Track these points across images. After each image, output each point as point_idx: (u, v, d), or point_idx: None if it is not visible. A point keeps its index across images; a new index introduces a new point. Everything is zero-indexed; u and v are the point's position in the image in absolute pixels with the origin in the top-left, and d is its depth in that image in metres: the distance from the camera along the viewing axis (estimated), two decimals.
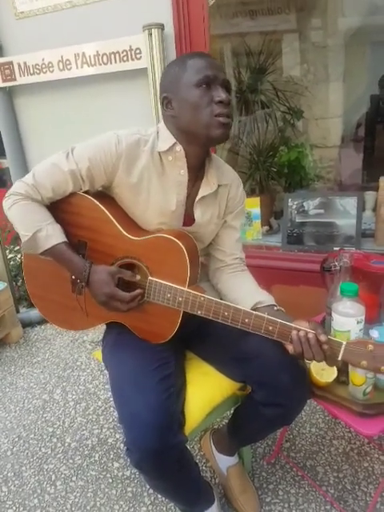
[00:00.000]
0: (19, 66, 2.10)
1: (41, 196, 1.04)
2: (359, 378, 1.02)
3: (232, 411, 1.27)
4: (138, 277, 1.04)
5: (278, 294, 1.20)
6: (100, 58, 1.93)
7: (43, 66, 2.05)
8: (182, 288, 0.98)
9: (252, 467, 1.42)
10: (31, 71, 2.09)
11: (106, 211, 1.04)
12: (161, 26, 1.79)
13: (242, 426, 1.22)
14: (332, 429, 1.57)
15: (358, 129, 3.23)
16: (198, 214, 1.10)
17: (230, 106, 0.99)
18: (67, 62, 2.00)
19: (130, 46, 1.85)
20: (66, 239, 1.05)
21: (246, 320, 0.94)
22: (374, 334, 1.09)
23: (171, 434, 0.93)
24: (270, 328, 0.93)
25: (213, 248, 1.22)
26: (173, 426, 0.94)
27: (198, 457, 1.47)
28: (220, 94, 0.96)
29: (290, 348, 0.94)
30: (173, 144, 1.02)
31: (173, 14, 1.81)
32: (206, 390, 1.11)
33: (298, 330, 0.90)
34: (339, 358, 0.89)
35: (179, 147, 1.03)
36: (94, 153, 1.01)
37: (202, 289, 1.04)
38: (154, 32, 1.78)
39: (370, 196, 2.17)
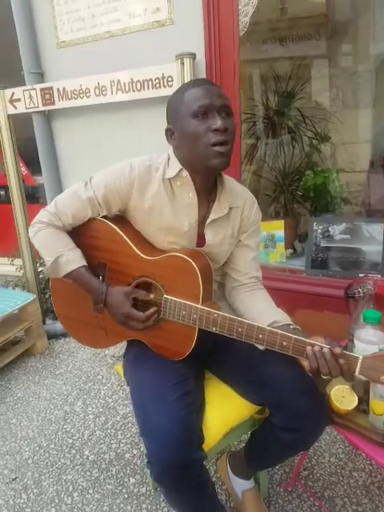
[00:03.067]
0: (58, 91, 2.22)
1: (62, 223, 1.12)
2: (380, 407, 1.01)
3: (249, 434, 1.27)
4: (152, 296, 1.08)
5: (300, 319, 1.20)
6: (134, 84, 2.02)
7: (81, 91, 2.16)
8: (196, 305, 1.01)
9: (268, 493, 1.40)
10: (69, 96, 2.20)
11: (122, 233, 1.10)
12: (193, 56, 1.87)
13: (259, 449, 1.21)
14: (352, 460, 1.53)
15: None
16: (208, 235, 1.13)
17: (228, 132, 0.99)
18: (103, 88, 2.10)
19: (163, 74, 1.93)
20: (85, 263, 1.11)
21: (260, 336, 0.95)
22: None
23: (192, 449, 0.95)
24: (285, 343, 0.93)
25: (228, 267, 1.23)
26: (193, 440, 0.96)
27: (214, 478, 1.46)
28: (216, 122, 0.97)
29: (305, 364, 0.94)
30: (179, 170, 1.06)
31: (204, 44, 1.89)
32: (224, 411, 1.12)
33: (313, 345, 0.90)
34: (356, 373, 0.88)
35: (185, 173, 1.07)
36: (110, 180, 1.08)
37: (218, 305, 1.06)
38: (186, 61, 1.86)
39: None
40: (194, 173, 1.07)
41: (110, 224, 1.12)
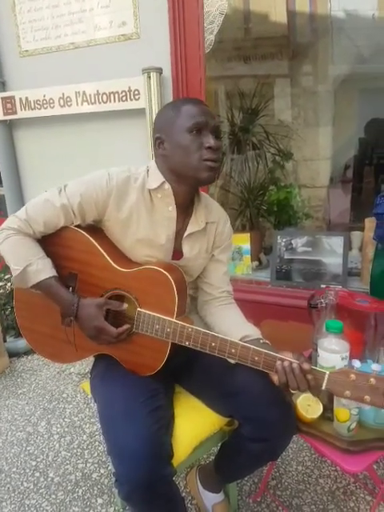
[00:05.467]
0: (21, 100, 2.18)
1: (33, 230, 1.08)
2: (344, 414, 1.04)
3: (219, 447, 1.26)
4: (126, 305, 1.06)
5: (267, 329, 1.23)
6: (100, 96, 2.01)
7: (44, 101, 2.13)
8: (170, 319, 1.01)
9: (238, 505, 1.40)
10: (32, 106, 2.17)
11: (96, 244, 1.08)
12: (159, 70, 1.89)
13: (229, 461, 1.21)
14: (318, 467, 1.56)
15: (346, 170, 3.36)
16: (186, 248, 1.14)
17: (219, 151, 1.03)
18: (68, 99, 2.08)
19: (130, 87, 1.94)
20: (55, 274, 1.07)
21: (233, 350, 0.97)
22: (356, 363, 1.11)
23: (161, 465, 0.93)
24: (256, 358, 0.95)
25: (201, 281, 1.24)
26: (163, 456, 0.95)
27: (184, 493, 1.44)
28: (209, 141, 1.01)
29: (275, 379, 0.96)
30: (162, 182, 1.07)
31: (171, 59, 1.91)
32: (194, 424, 1.11)
33: (283, 360, 0.93)
34: (323, 388, 0.91)
35: (167, 185, 1.07)
36: (86, 189, 1.05)
37: (191, 320, 1.07)
38: (153, 75, 1.88)
39: (356, 236, 2.23)
40: (178, 183, 1.07)
41: (84, 234, 1.09)
